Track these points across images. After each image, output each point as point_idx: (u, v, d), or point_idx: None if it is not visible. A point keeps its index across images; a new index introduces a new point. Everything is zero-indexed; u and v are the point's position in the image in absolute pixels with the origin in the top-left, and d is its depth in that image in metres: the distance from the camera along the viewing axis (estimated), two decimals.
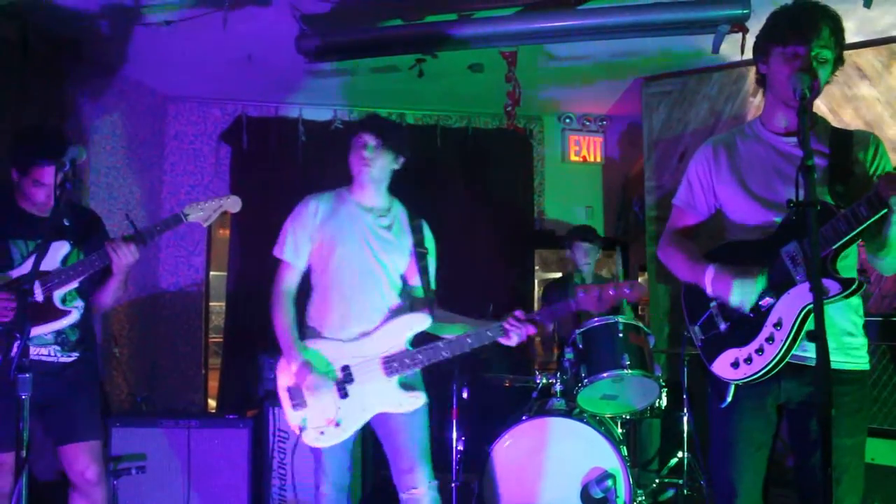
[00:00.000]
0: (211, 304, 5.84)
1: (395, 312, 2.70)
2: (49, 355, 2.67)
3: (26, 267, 2.60)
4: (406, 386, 2.65)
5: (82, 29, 4.08)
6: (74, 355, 2.73)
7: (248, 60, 4.56)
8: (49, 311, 2.62)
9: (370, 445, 4.07)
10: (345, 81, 5.06)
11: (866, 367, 2.06)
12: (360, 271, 2.66)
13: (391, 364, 2.60)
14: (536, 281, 6.18)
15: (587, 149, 6.02)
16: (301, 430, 2.62)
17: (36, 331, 2.60)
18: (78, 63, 4.25)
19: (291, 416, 2.66)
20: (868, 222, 1.85)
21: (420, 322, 2.65)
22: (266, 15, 3.91)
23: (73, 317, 2.69)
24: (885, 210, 1.82)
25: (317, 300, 2.74)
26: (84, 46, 4.25)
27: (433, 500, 2.67)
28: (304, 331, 2.74)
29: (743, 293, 1.98)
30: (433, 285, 2.82)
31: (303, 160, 5.52)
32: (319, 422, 2.61)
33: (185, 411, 4.05)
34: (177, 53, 4.54)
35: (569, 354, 3.70)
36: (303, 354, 2.61)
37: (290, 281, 2.73)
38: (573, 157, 6.00)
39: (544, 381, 3.83)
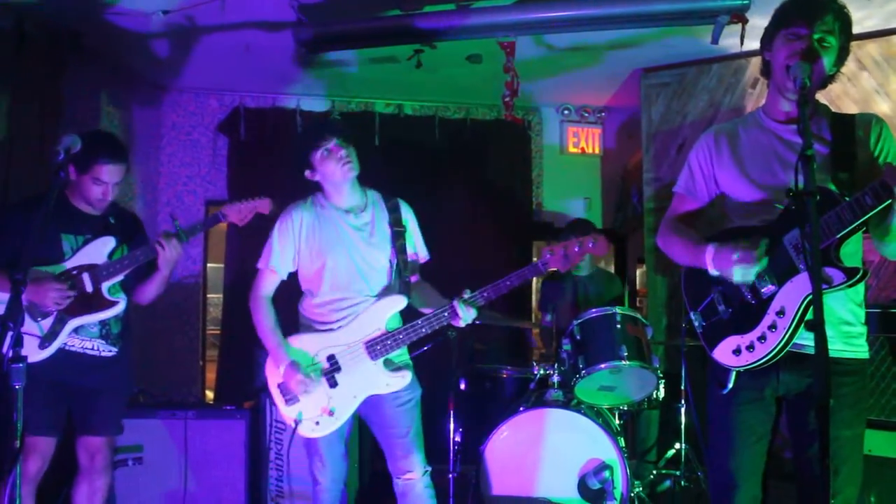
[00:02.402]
0: (209, 295, 5.84)
1: (380, 296, 2.77)
2: (93, 349, 2.83)
3: (76, 259, 2.76)
4: (391, 365, 2.72)
5: (80, 19, 4.05)
6: (115, 350, 2.89)
7: (245, 51, 4.54)
8: (98, 301, 2.79)
9: (366, 439, 4.06)
10: (342, 72, 5.03)
11: (866, 355, 2.05)
12: (350, 274, 2.75)
13: (374, 347, 2.68)
14: None
15: (585, 140, 6.00)
16: (297, 423, 2.71)
17: (84, 319, 2.77)
18: (75, 53, 4.22)
19: (286, 412, 2.75)
20: (873, 212, 1.84)
21: (397, 303, 2.74)
22: (263, 4, 3.89)
23: (120, 307, 2.84)
24: (890, 200, 1.81)
25: (309, 299, 2.83)
26: (81, 37, 4.22)
27: (427, 485, 2.75)
28: (300, 325, 2.85)
29: (745, 265, 1.96)
30: (425, 253, 2.93)
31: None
32: (314, 413, 2.70)
33: (182, 402, 4.05)
34: (174, 43, 4.51)
35: (566, 345, 3.70)
36: (289, 355, 2.70)
37: (270, 287, 2.84)
38: (571, 149, 5.98)
39: (542, 372, 3.83)
